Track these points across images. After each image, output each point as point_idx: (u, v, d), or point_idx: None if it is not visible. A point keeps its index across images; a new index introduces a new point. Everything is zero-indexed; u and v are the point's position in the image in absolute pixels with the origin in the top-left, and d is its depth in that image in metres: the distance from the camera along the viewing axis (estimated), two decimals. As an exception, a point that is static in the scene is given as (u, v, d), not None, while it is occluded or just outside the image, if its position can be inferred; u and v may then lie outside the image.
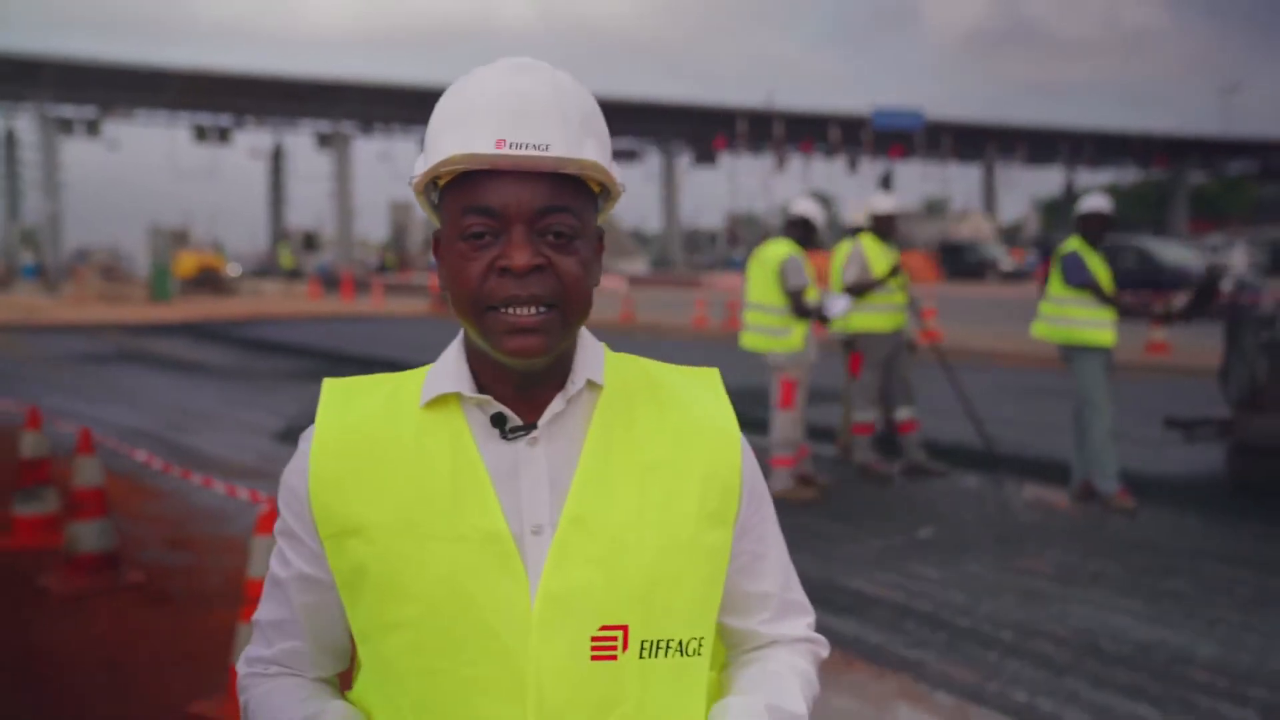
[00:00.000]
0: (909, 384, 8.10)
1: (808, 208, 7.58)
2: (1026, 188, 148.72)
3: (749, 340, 7.43)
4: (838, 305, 7.41)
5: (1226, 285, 8.54)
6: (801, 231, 7.46)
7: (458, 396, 1.21)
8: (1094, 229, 6.96)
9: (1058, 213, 71.08)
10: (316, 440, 1.21)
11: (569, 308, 1.15)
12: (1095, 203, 7.08)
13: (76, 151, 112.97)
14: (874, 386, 8.02)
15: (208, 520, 6.80)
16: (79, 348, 18.89)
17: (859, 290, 7.79)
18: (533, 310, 1.13)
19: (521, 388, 1.20)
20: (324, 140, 53.87)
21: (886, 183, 65.27)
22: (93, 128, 47.72)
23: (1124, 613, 5.03)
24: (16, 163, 49.74)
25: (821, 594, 5.22)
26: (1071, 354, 6.92)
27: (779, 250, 7.23)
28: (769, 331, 7.25)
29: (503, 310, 1.13)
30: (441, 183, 1.18)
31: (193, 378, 14.71)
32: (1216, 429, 7.06)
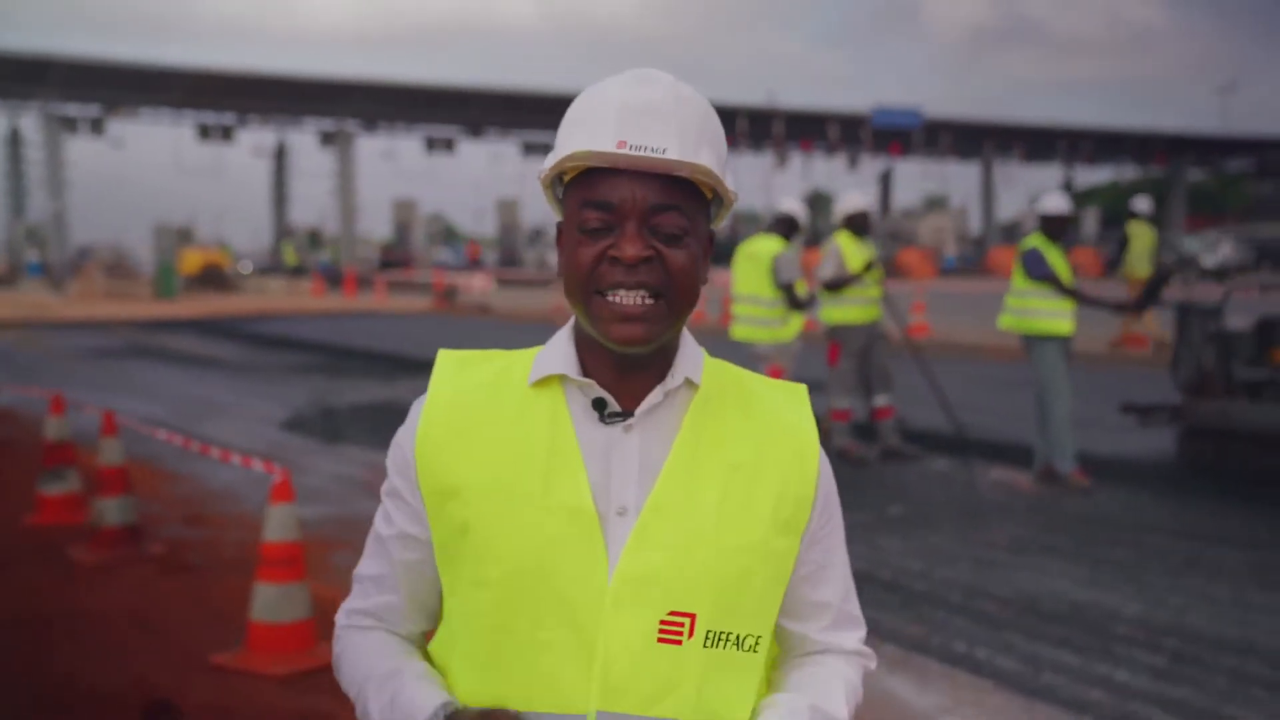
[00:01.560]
0: (885, 373, 8.54)
1: (795, 206, 8.04)
2: (1025, 185, 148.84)
3: (739, 331, 7.88)
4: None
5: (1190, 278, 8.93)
6: (788, 228, 7.92)
7: (562, 378, 1.28)
8: (1055, 227, 7.39)
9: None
10: (427, 406, 1.30)
11: (674, 298, 1.22)
12: (1056, 203, 7.51)
13: (81, 150, 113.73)
14: (851, 375, 8.46)
15: (222, 499, 7.26)
16: (89, 343, 19.33)
17: (836, 285, 8.24)
18: (638, 298, 1.20)
19: (623, 376, 1.26)
20: (327, 138, 54.32)
21: (886, 180, 65.68)
22: (97, 126, 48.21)
23: (1066, 578, 5.48)
24: (22, 161, 50.20)
25: (791, 563, 5.67)
26: (1032, 343, 7.36)
27: (770, 246, 7.69)
28: (759, 323, 7.72)
29: (610, 296, 1.20)
30: (566, 178, 1.26)
31: (203, 371, 15.16)
32: (1169, 414, 7.50)
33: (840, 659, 1.37)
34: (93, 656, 4.49)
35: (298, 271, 46.12)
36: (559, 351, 1.28)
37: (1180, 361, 7.37)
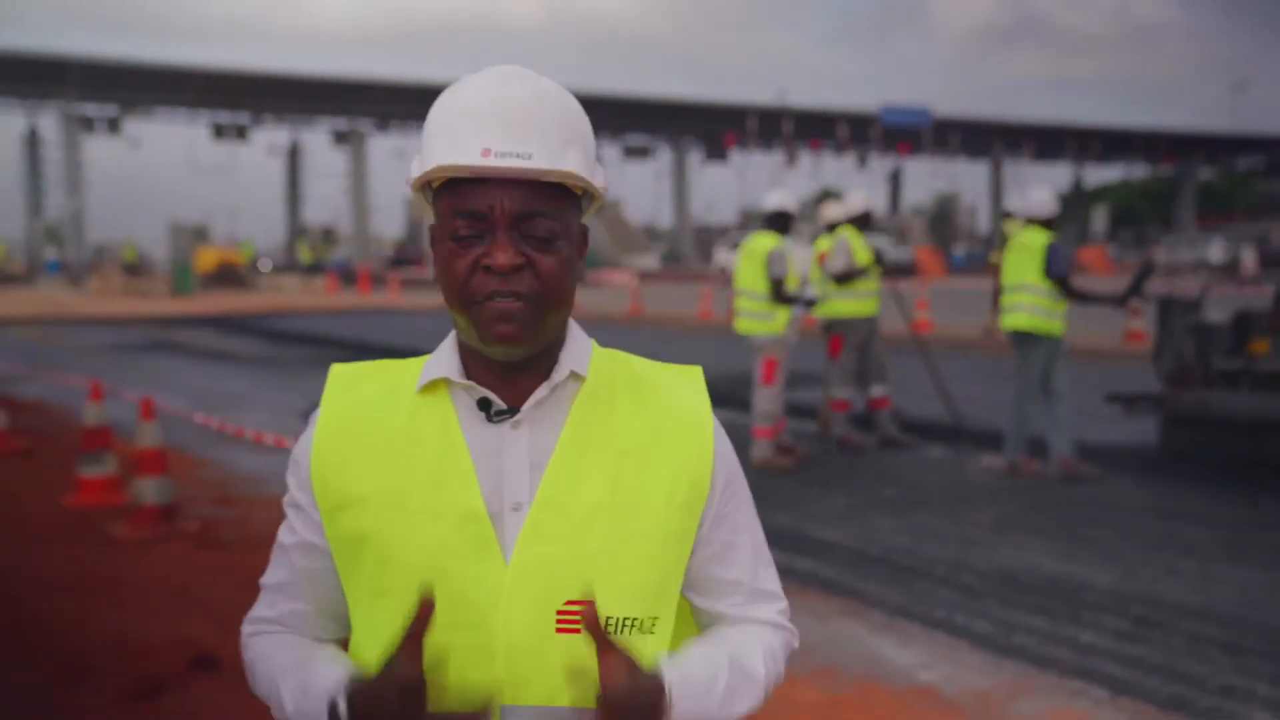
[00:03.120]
0: (881, 365, 8.89)
1: (783, 199, 8.36)
2: (1035, 183, 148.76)
3: (741, 325, 8.24)
4: (809, 292, 8.42)
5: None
6: (781, 222, 8.26)
7: (448, 382, 1.30)
8: (1053, 226, 7.67)
9: (1066, 209, 71.49)
10: (320, 421, 1.32)
11: (547, 302, 1.22)
12: (1049, 201, 7.77)
13: (98, 149, 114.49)
14: (852, 367, 8.81)
15: (249, 483, 7.64)
16: (110, 339, 19.76)
17: (846, 278, 8.61)
18: (512, 301, 1.21)
19: (508, 376, 1.28)
20: (340, 138, 54.81)
21: (895, 179, 65.87)
22: (114, 126, 48.80)
23: (1044, 554, 5.83)
24: (40, 160, 50.80)
25: (789, 542, 6.03)
26: (1041, 341, 7.49)
27: (765, 243, 8.05)
28: (757, 316, 8.07)
29: (486, 304, 1.21)
30: (435, 185, 1.26)
31: (222, 365, 15.58)
32: (1151, 403, 7.83)
33: (760, 627, 1.39)
34: (138, 617, 4.88)
35: (312, 269, 46.58)
36: (444, 357, 1.31)
37: (1163, 353, 7.70)
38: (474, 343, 1.25)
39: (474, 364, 1.29)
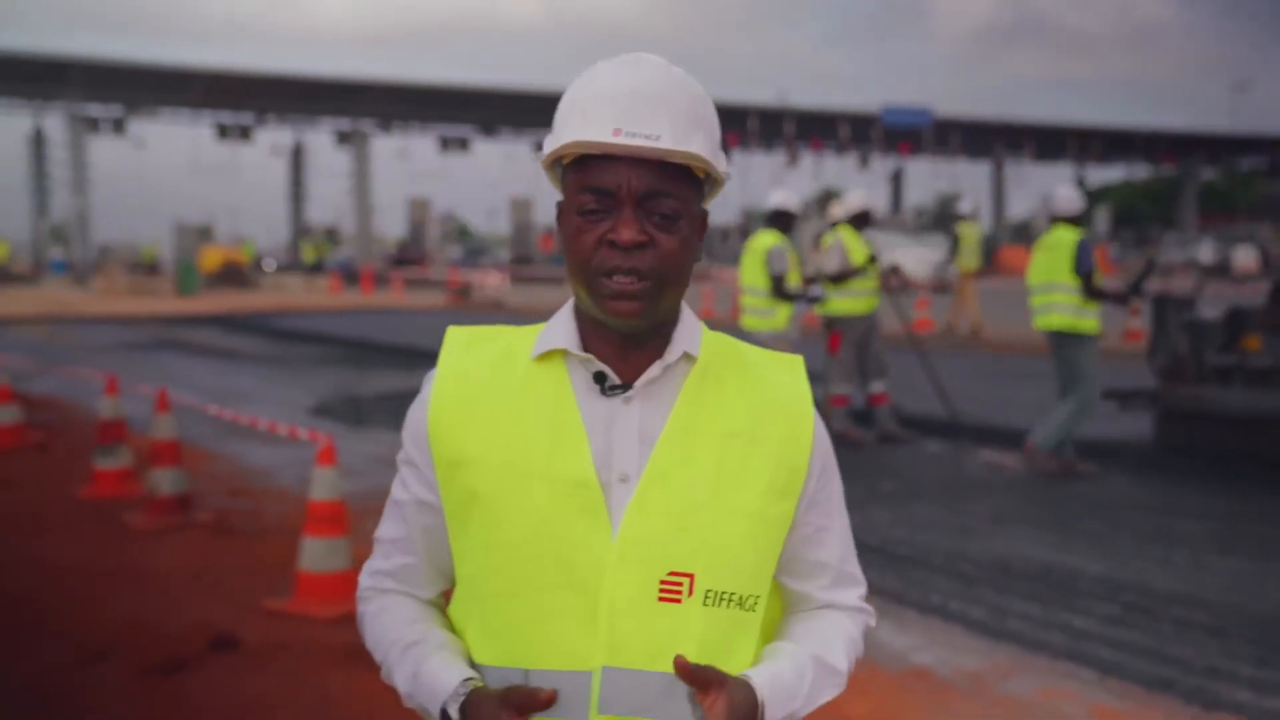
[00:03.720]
0: (880, 361, 9.03)
1: (785, 198, 8.49)
2: (1036, 184, 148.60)
3: (745, 321, 8.38)
4: (815, 289, 8.52)
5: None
6: (783, 220, 8.39)
7: (564, 353, 1.34)
8: (1079, 223, 7.66)
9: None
10: (437, 380, 1.37)
11: (666, 280, 1.28)
12: (1080, 201, 7.73)
13: (103, 150, 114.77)
14: (851, 363, 8.95)
15: (260, 475, 7.79)
16: (116, 337, 19.90)
17: (841, 277, 8.74)
18: (633, 280, 1.26)
19: (624, 351, 1.32)
20: (343, 138, 54.96)
21: (897, 180, 65.97)
22: (119, 126, 48.95)
23: (1039, 544, 5.96)
24: (45, 161, 50.99)
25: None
26: (1080, 340, 7.41)
27: (766, 240, 8.20)
28: (759, 313, 8.23)
29: (608, 278, 1.27)
30: (565, 161, 1.31)
31: (228, 363, 15.73)
32: (1147, 399, 7.97)
33: (842, 614, 1.44)
34: (155, 602, 5.02)
35: (315, 269, 46.75)
36: (561, 328, 1.35)
37: (1157, 350, 7.84)
38: (593, 314, 1.31)
39: (591, 336, 1.33)
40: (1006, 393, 11.62)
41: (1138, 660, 4.29)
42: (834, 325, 8.99)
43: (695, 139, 1.28)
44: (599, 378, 1.32)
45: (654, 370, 1.31)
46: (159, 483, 6.42)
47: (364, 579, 1.47)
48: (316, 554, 4.89)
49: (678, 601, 1.28)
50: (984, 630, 4.66)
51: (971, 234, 17.28)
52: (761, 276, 8.11)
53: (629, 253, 1.25)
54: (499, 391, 1.34)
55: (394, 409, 10.78)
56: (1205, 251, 38.42)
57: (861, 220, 9.07)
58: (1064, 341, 7.47)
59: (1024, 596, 5.09)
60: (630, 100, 1.26)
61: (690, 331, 1.35)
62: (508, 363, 1.36)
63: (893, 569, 5.53)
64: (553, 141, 1.31)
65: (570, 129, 1.28)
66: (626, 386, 1.32)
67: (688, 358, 1.34)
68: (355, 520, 6.26)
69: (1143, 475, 7.59)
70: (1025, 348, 15.48)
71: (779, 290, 8.02)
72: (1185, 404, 7.45)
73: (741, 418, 1.34)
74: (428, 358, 15.71)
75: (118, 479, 7.15)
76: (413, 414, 1.39)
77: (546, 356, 1.34)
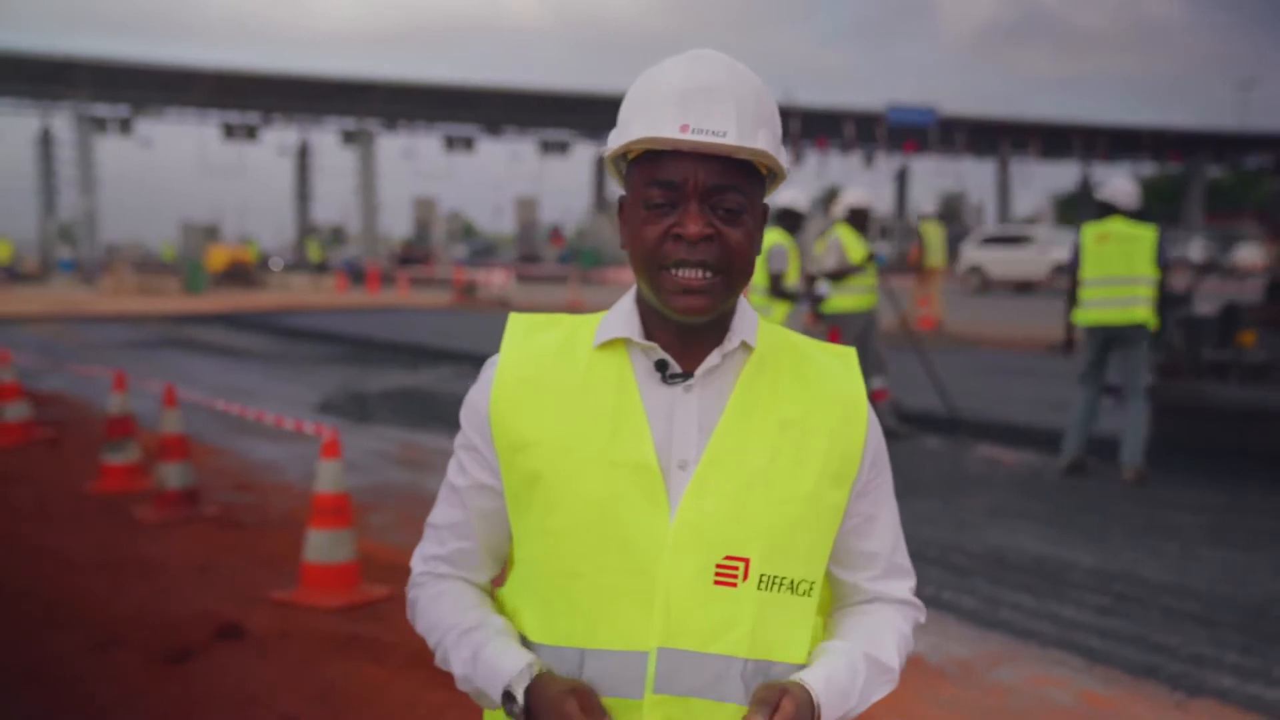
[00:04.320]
0: (880, 357, 9.11)
1: (792, 197, 8.55)
2: (1042, 182, 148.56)
3: None
4: (822, 289, 8.61)
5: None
6: (789, 219, 8.43)
7: (626, 341, 1.37)
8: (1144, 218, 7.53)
9: (1073, 207, 71.60)
10: (500, 365, 1.39)
11: (732, 273, 1.31)
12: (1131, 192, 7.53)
13: (110, 149, 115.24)
14: (849, 360, 9.03)
15: (266, 470, 7.89)
16: (124, 335, 20.02)
17: (839, 275, 8.83)
18: (700, 274, 1.28)
19: (683, 340, 1.35)
20: (349, 137, 55.09)
21: (902, 178, 65.96)
22: (126, 126, 49.14)
23: (1034, 537, 6.04)
24: (53, 161, 51.20)
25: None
26: (1144, 333, 7.26)
27: (769, 238, 8.27)
28: (761, 311, 8.32)
29: (674, 271, 1.29)
30: (630, 157, 1.34)
31: (235, 360, 15.84)
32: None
33: (891, 608, 1.46)
34: (163, 593, 5.12)
35: (321, 268, 46.89)
36: (623, 317, 1.37)
37: (1153, 345, 7.90)
38: (658, 307, 1.34)
39: (652, 325, 1.36)
40: (1005, 388, 11.70)
41: (1125, 648, 4.37)
42: (832, 322, 9.07)
43: (761, 135, 1.30)
44: (660, 366, 1.35)
45: (714, 358, 1.34)
46: (167, 477, 6.52)
47: (417, 564, 1.49)
48: (320, 546, 4.98)
49: (733, 585, 1.31)
50: (976, 620, 4.74)
51: (934, 233, 17.76)
52: (762, 274, 8.21)
53: (695, 246, 1.28)
54: (561, 377, 1.36)
55: (398, 406, 10.89)
56: (1196, 249, 38.65)
57: (859, 218, 9.15)
58: (1142, 335, 7.25)
59: (1016, 587, 5.17)
60: (697, 97, 1.28)
61: (748, 321, 1.38)
62: (569, 349, 1.38)
63: (888, 561, 5.61)
64: (619, 137, 1.33)
65: (638, 125, 1.30)
66: (688, 375, 1.34)
67: (745, 347, 1.37)
68: (359, 514, 6.38)
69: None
70: (1024, 344, 15.56)
71: (776, 289, 8.10)
72: (1181, 399, 7.51)
73: (797, 406, 1.37)
74: (431, 356, 15.96)
75: (126, 474, 7.26)
76: (474, 398, 1.41)
77: (608, 345, 1.37)
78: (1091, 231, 7.35)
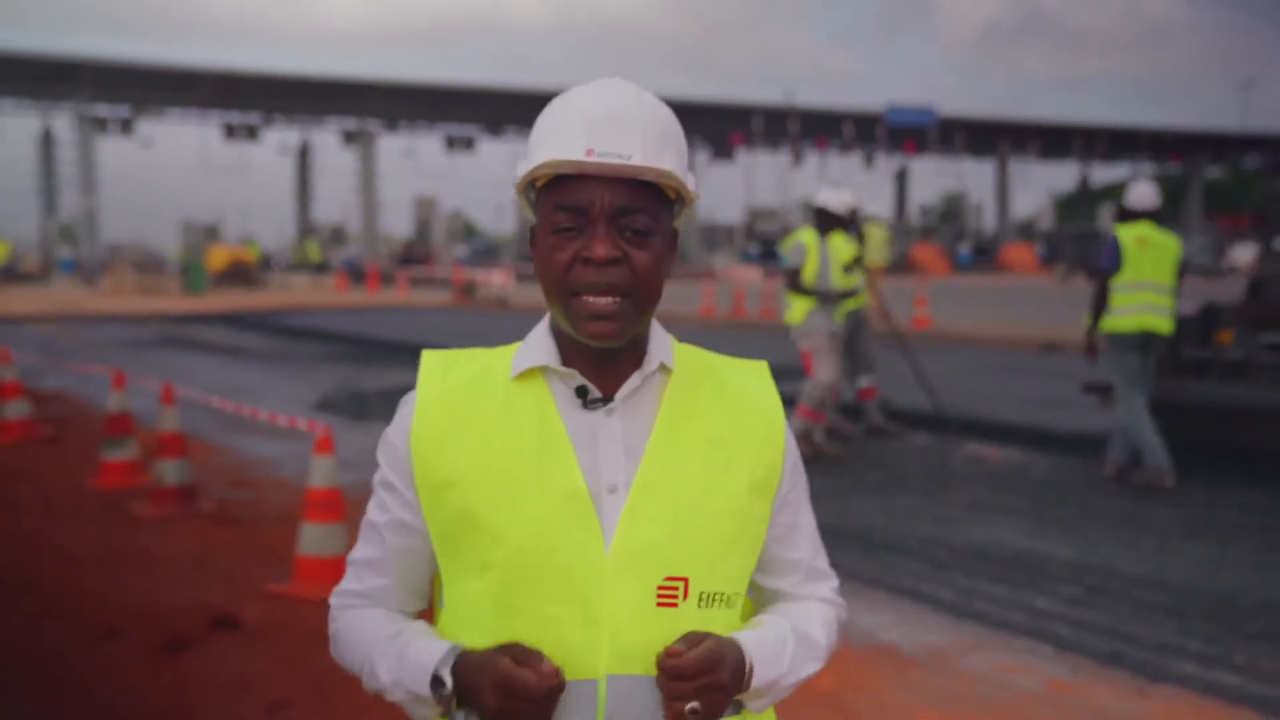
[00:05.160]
0: (869, 357, 9.24)
1: (825, 197, 8.51)
2: (1042, 182, 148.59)
3: (787, 316, 8.49)
4: (858, 285, 8.67)
5: None
6: (822, 219, 8.39)
7: (544, 370, 1.37)
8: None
9: (1073, 207, 71.72)
10: (420, 404, 1.38)
11: (641, 296, 1.31)
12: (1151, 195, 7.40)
13: (111, 149, 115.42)
14: (839, 359, 9.15)
15: (262, 467, 8.03)
16: (125, 335, 20.17)
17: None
18: (609, 300, 1.29)
19: (600, 365, 1.35)
20: (349, 137, 55.26)
21: (901, 179, 66.08)
22: (127, 126, 49.30)
23: (1013, 531, 6.18)
24: (54, 161, 51.37)
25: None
26: (1166, 341, 7.26)
27: (794, 236, 8.34)
28: (785, 306, 8.40)
29: (584, 297, 1.30)
30: (539, 184, 1.35)
31: (234, 359, 15.98)
32: (1126, 392, 8.15)
33: (817, 602, 1.49)
34: (161, 586, 5.26)
35: (321, 268, 47.06)
36: (539, 345, 1.38)
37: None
38: (571, 334, 1.34)
39: (568, 351, 1.36)
40: (996, 387, 11.83)
41: (1094, 637, 4.50)
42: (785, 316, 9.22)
43: (666, 157, 1.32)
44: (580, 392, 1.35)
45: (634, 381, 1.35)
46: (165, 473, 6.65)
47: (334, 601, 1.47)
48: (315, 539, 5.12)
49: (674, 606, 1.32)
50: (951, 610, 4.87)
51: (877, 234, 18.42)
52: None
53: (603, 268, 1.29)
54: (481, 411, 1.36)
55: (395, 405, 10.96)
56: (1194, 250, 38.88)
57: (848, 220, 9.26)
58: (1164, 343, 7.26)
59: (993, 579, 5.30)
60: (602, 122, 1.30)
61: (663, 343, 1.40)
62: (487, 382, 1.38)
63: (869, 555, 5.74)
64: (526, 165, 1.35)
65: (544, 151, 1.32)
66: (608, 399, 1.35)
67: (664, 368, 1.39)
68: (353, 509, 6.52)
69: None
70: (1021, 343, 15.70)
71: (792, 285, 8.11)
72: (1161, 397, 7.63)
73: (720, 423, 1.39)
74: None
75: (125, 470, 7.40)
76: (391, 437, 1.40)
77: (526, 374, 1.37)
78: (1130, 234, 7.14)
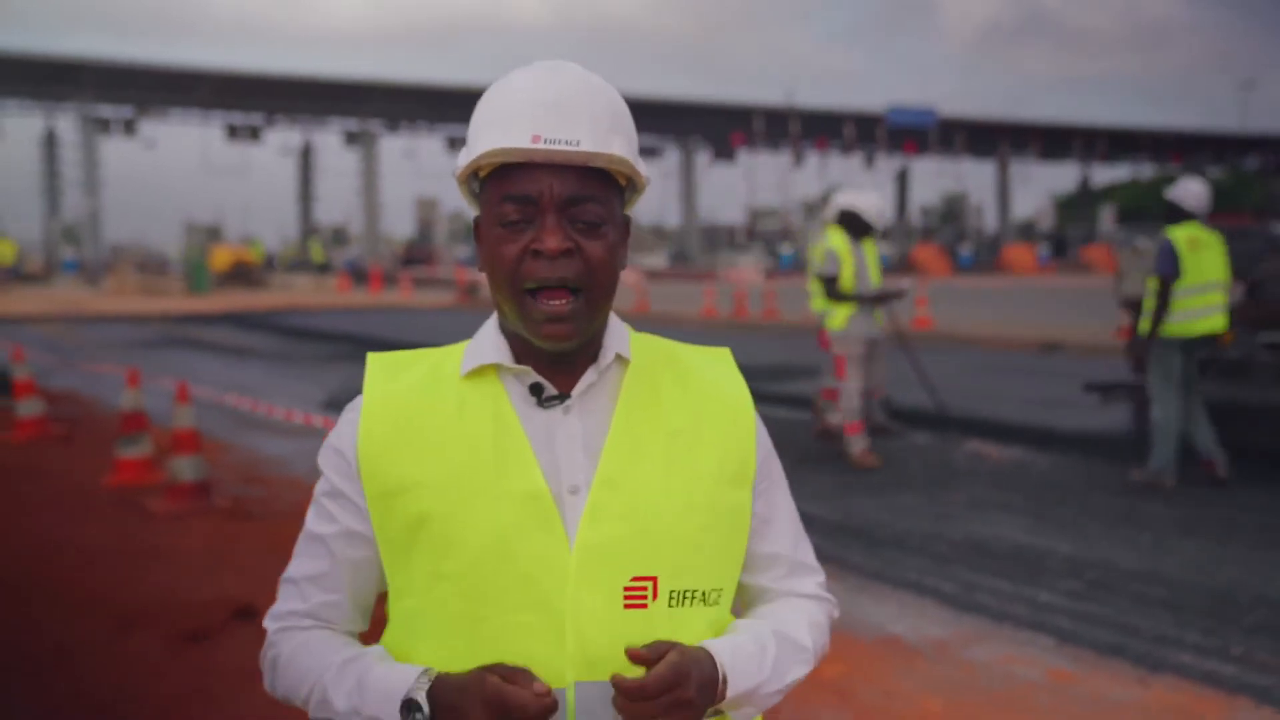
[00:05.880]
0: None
1: (851, 200, 8.47)
2: (1042, 183, 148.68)
3: (826, 322, 8.47)
4: (903, 284, 8.62)
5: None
6: (850, 222, 8.36)
7: (496, 368, 1.31)
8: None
9: (1074, 208, 71.79)
10: (365, 408, 1.31)
11: (595, 289, 1.25)
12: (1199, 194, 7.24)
13: (114, 150, 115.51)
14: (869, 365, 9.23)
15: (274, 464, 8.13)
16: (129, 335, 20.28)
17: (832, 282, 9.04)
18: (563, 300, 1.23)
19: (555, 362, 1.29)
20: (351, 138, 55.38)
21: (902, 179, 66.18)
22: (130, 127, 49.42)
23: (1014, 528, 6.28)
24: (57, 161, 51.49)
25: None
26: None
27: (826, 242, 8.29)
28: (824, 312, 8.32)
29: (538, 296, 1.23)
30: (482, 174, 1.28)
31: (239, 359, 16.09)
32: (1126, 392, 8.27)
33: (803, 599, 1.42)
34: (178, 580, 5.36)
35: (324, 268, 47.18)
36: (489, 342, 1.32)
37: (1134, 344, 8.13)
38: (523, 334, 1.28)
39: (520, 348, 1.30)
40: (993, 386, 11.94)
41: (1094, 630, 4.61)
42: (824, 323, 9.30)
43: (615, 142, 1.25)
44: (535, 389, 1.30)
45: (590, 376, 1.30)
46: (180, 469, 6.76)
47: (271, 624, 1.38)
48: (330, 533, 5.22)
49: (644, 607, 1.26)
50: (954, 603, 4.98)
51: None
52: (818, 279, 8.18)
53: (555, 261, 1.23)
54: (433, 413, 1.29)
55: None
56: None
57: (851, 221, 9.36)
58: (1208, 346, 7.23)
59: (994, 574, 5.40)
60: (548, 107, 1.23)
61: (618, 334, 1.34)
62: (437, 383, 1.32)
63: (873, 550, 5.85)
64: (468, 153, 1.28)
65: (487, 139, 1.25)
66: (564, 396, 1.30)
67: (620, 360, 1.33)
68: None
69: (1119, 464, 7.89)
70: (1021, 343, 15.81)
71: (830, 291, 8.04)
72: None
73: (683, 414, 1.33)
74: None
75: (139, 467, 7.50)
76: (336, 443, 1.33)
77: (478, 373, 1.31)
78: (1183, 236, 6.99)
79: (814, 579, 1.44)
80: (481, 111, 1.29)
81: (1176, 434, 7.12)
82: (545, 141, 1.22)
